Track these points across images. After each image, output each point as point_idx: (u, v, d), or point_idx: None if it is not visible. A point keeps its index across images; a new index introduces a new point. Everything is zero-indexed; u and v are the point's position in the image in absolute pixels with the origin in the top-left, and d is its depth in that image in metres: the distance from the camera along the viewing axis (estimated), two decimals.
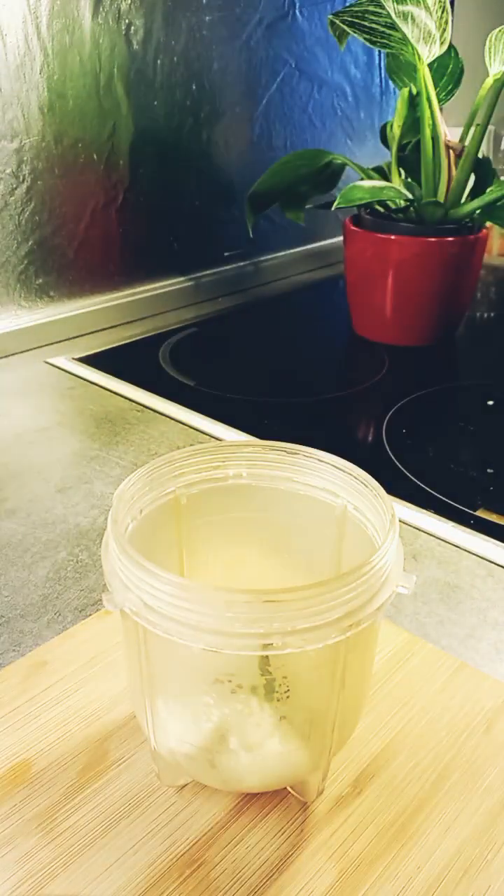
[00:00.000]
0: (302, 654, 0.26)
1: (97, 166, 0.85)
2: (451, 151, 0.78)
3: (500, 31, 0.75)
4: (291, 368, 0.84)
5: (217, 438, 0.64)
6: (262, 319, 0.98)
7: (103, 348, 0.84)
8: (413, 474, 0.59)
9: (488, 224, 0.83)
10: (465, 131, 0.79)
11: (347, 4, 0.91)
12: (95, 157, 0.84)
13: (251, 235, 0.91)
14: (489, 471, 0.61)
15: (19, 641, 0.42)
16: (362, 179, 0.81)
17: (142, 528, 0.32)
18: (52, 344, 0.85)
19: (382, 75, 1.14)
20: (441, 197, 0.79)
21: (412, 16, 0.71)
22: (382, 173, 0.86)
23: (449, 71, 0.82)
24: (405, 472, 0.60)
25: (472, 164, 0.78)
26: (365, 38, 0.75)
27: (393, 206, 0.84)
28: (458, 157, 0.79)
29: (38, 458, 0.61)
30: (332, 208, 0.76)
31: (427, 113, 0.75)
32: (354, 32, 0.74)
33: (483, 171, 0.81)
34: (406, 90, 0.80)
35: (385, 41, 0.74)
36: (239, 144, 0.99)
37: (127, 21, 0.82)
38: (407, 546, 0.51)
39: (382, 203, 0.84)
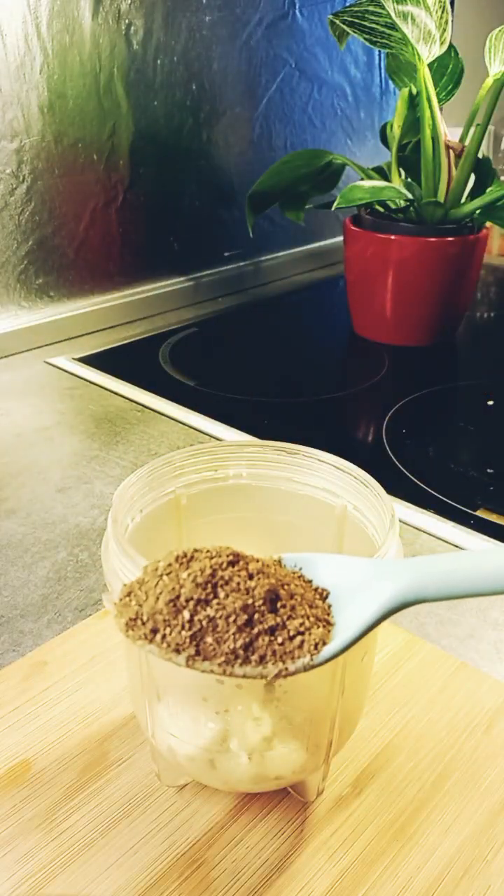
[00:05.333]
0: None
1: (97, 166, 0.85)
2: (451, 151, 0.78)
3: (500, 31, 0.75)
4: (291, 368, 0.84)
5: (217, 438, 0.64)
6: (262, 319, 0.98)
7: (103, 348, 0.84)
8: (413, 474, 0.59)
9: (488, 224, 0.83)
10: (465, 131, 0.79)
11: (347, 4, 0.91)
12: (95, 157, 0.84)
13: (251, 235, 0.91)
14: (489, 471, 0.61)
15: (19, 641, 0.42)
16: (362, 179, 0.81)
17: (142, 528, 0.32)
18: (52, 344, 0.85)
19: (382, 75, 1.14)
20: (441, 197, 0.79)
21: (412, 16, 0.71)
22: (382, 173, 0.86)
23: (449, 71, 0.82)
24: (405, 472, 0.60)
25: (472, 164, 0.78)
26: (365, 38, 0.75)
27: (393, 206, 0.84)
28: (458, 157, 0.79)
29: (38, 458, 0.61)
30: (332, 208, 0.76)
31: (427, 113, 0.75)
32: (354, 32, 0.74)
33: (483, 171, 0.81)
34: (406, 90, 0.80)
35: (385, 41, 0.74)
36: (239, 144, 0.99)
37: (127, 21, 0.82)
38: (407, 546, 0.51)
39: (382, 203, 0.84)
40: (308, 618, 0.23)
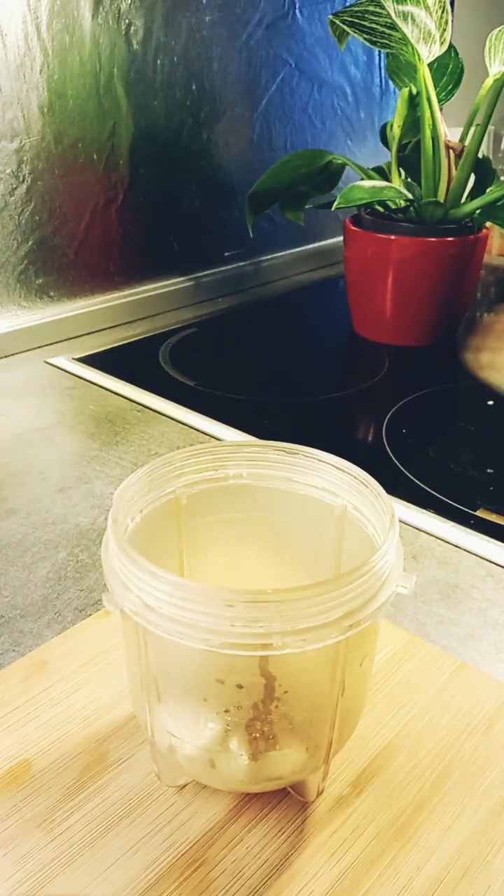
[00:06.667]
0: (302, 654, 0.26)
1: (97, 166, 0.85)
2: (451, 151, 0.78)
3: (500, 31, 0.75)
4: (292, 368, 0.84)
5: (217, 438, 0.64)
6: (262, 319, 0.98)
7: (103, 348, 0.84)
8: (413, 474, 0.59)
9: (488, 224, 0.83)
10: (465, 131, 0.79)
11: (347, 4, 0.91)
12: (95, 156, 0.84)
13: (251, 235, 0.91)
14: (489, 471, 0.61)
15: (19, 641, 0.42)
16: (362, 179, 0.81)
17: (142, 528, 0.32)
18: (52, 344, 0.85)
19: (382, 75, 1.14)
20: (441, 197, 0.79)
21: (412, 16, 0.71)
22: (382, 173, 0.86)
23: (449, 71, 0.82)
24: (405, 472, 0.60)
25: (472, 164, 0.78)
26: (365, 38, 0.75)
27: (393, 206, 0.84)
28: (458, 157, 0.79)
29: (38, 458, 0.61)
30: (332, 208, 0.76)
31: (427, 113, 0.75)
32: (354, 32, 0.74)
33: (483, 171, 0.81)
34: (406, 90, 0.80)
35: (385, 41, 0.74)
36: (239, 144, 0.99)
37: (127, 21, 0.82)
38: (407, 546, 0.51)
39: (382, 203, 0.84)
40: None
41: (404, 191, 0.79)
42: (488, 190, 0.80)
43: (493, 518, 0.54)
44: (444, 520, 0.53)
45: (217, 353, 0.88)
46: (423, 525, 0.53)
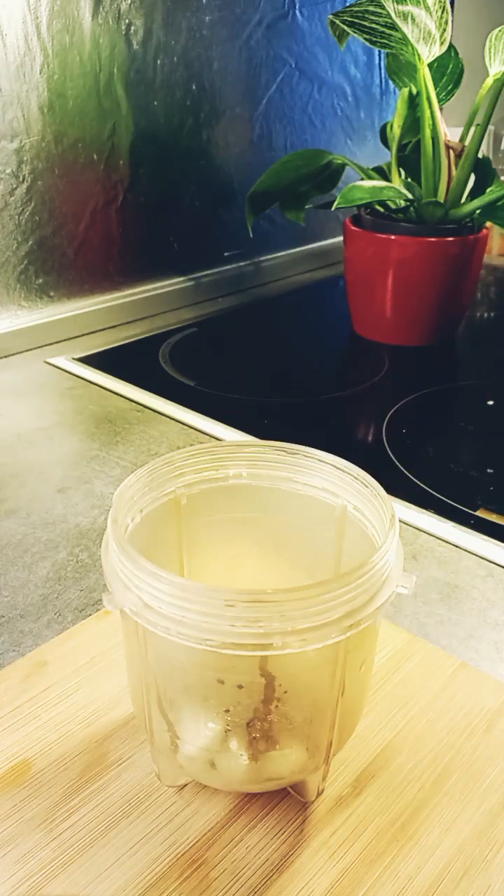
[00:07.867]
0: (302, 654, 0.26)
1: (97, 166, 0.85)
2: (451, 151, 0.78)
3: (500, 31, 0.75)
4: (292, 368, 0.84)
5: (217, 438, 0.64)
6: (262, 319, 0.98)
7: (103, 348, 0.84)
8: (413, 474, 0.59)
9: (488, 224, 0.83)
10: (465, 131, 0.79)
11: (347, 4, 0.91)
12: (95, 157, 0.84)
13: (251, 235, 0.91)
14: (489, 471, 0.61)
15: (19, 641, 0.42)
16: (362, 179, 0.81)
17: (142, 528, 0.32)
18: (52, 344, 0.85)
19: (382, 75, 1.14)
20: (441, 197, 0.79)
21: (412, 16, 0.71)
22: (382, 173, 0.86)
23: (449, 71, 0.82)
24: (405, 472, 0.60)
25: (472, 164, 0.78)
26: (365, 38, 0.75)
27: (393, 206, 0.84)
28: (458, 157, 0.79)
29: (38, 458, 0.61)
30: (333, 208, 0.76)
31: (427, 113, 0.75)
32: (354, 32, 0.74)
33: (483, 171, 0.81)
34: (406, 90, 0.80)
35: (385, 41, 0.74)
36: (239, 144, 0.99)
37: (127, 21, 0.82)
38: (407, 546, 0.51)
39: (382, 203, 0.84)
40: None
41: (404, 191, 0.79)
42: (488, 190, 0.80)
43: (493, 518, 0.54)
44: (444, 520, 0.53)
45: (217, 353, 0.88)
46: (423, 525, 0.53)
